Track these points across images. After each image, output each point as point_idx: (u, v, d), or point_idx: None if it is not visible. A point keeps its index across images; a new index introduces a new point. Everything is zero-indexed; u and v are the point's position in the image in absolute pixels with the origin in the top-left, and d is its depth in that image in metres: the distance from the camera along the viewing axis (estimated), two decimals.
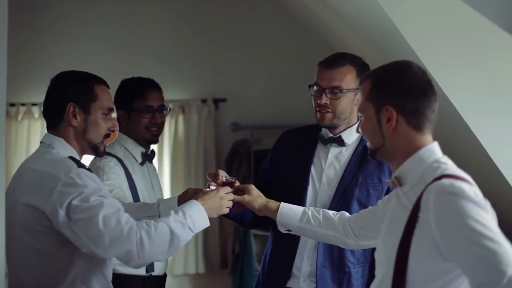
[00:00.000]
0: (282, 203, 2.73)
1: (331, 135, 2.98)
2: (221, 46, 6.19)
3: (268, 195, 2.84)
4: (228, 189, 2.65)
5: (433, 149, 2.05)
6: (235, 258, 5.83)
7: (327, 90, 2.88)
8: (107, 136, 2.57)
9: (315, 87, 2.94)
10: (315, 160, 2.99)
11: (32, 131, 6.16)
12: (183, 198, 2.78)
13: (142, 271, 3.27)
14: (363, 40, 4.09)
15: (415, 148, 2.04)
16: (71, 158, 2.43)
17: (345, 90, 2.88)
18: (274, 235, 3.04)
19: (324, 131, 3.00)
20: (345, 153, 2.97)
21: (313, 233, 2.68)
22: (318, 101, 2.90)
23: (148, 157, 3.42)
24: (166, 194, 5.68)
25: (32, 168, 2.45)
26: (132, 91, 3.39)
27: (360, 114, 2.14)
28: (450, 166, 2.00)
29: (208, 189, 2.65)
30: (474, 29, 2.83)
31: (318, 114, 2.93)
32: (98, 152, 2.58)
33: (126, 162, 3.29)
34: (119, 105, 3.39)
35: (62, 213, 2.31)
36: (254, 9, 6.20)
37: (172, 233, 2.37)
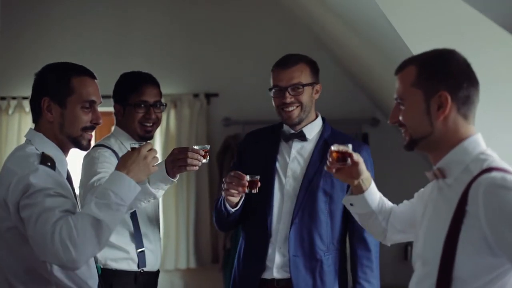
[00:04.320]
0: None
1: (293, 131, 3.14)
2: (213, 41, 6.17)
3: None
4: (150, 145, 2.45)
5: (478, 140, 2.00)
6: (226, 254, 5.82)
7: (289, 89, 3.06)
8: (89, 128, 2.49)
9: (274, 89, 3.10)
10: (279, 157, 3.15)
11: (23, 125, 6.13)
12: (169, 158, 2.84)
13: (134, 267, 3.25)
14: (355, 36, 4.09)
15: (460, 138, 1.98)
16: (43, 154, 2.37)
17: (305, 85, 3.06)
18: (246, 232, 3.18)
19: (286, 128, 3.16)
20: (307, 147, 3.14)
21: (374, 218, 2.49)
22: (283, 101, 3.07)
23: None
24: None
25: (4, 164, 2.42)
26: (127, 86, 3.34)
27: (400, 101, 2.05)
28: (497, 159, 1.96)
29: (134, 146, 2.45)
30: (469, 24, 2.84)
31: (283, 113, 3.09)
32: (81, 145, 2.50)
33: (120, 155, 3.26)
34: (115, 99, 3.37)
35: (13, 209, 2.28)
36: (246, 4, 6.19)
37: (97, 222, 2.22)
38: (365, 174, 2.46)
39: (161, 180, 2.91)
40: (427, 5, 2.90)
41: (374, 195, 2.49)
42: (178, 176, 2.96)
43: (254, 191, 2.96)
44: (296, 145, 3.15)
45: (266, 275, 3.08)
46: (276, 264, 3.06)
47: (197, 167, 2.90)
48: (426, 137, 2.01)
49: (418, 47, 2.62)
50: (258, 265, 3.08)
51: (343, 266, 3.18)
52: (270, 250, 3.07)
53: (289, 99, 3.06)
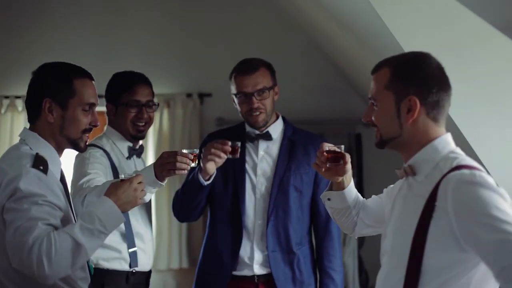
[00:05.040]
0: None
1: (258, 132, 3.26)
2: (207, 41, 6.17)
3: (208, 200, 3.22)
4: (141, 177, 2.46)
5: (447, 140, 2.05)
6: None
7: (255, 94, 3.16)
8: (87, 131, 2.49)
9: (238, 95, 3.21)
10: (246, 157, 3.24)
11: (16, 124, 6.10)
12: (158, 162, 2.86)
13: (126, 267, 3.25)
14: (349, 35, 4.09)
15: (430, 138, 2.03)
16: (36, 155, 2.36)
17: (269, 88, 3.19)
18: (217, 230, 3.29)
19: (250, 129, 3.28)
20: (273, 147, 3.26)
21: (348, 213, 2.52)
22: (251, 106, 3.17)
23: (135, 151, 3.38)
24: None
25: None
26: (120, 85, 3.34)
27: (373, 101, 2.10)
28: (466, 157, 2.01)
29: (121, 179, 2.46)
30: (461, 23, 2.84)
31: (251, 118, 3.20)
32: (79, 147, 2.50)
33: (112, 155, 3.27)
34: (107, 98, 3.36)
35: None
36: (240, 4, 6.19)
37: (77, 245, 2.22)
38: (349, 172, 2.48)
39: (150, 183, 2.89)
40: (421, 4, 2.90)
41: (352, 191, 2.51)
42: (166, 180, 2.94)
43: (236, 156, 3.05)
44: (262, 145, 3.26)
45: (246, 272, 3.20)
46: (257, 261, 3.18)
47: (186, 171, 2.89)
48: (395, 138, 2.07)
49: (411, 47, 2.63)
50: (230, 261, 3.20)
51: (314, 256, 3.33)
52: (247, 248, 3.19)
53: (256, 104, 3.17)
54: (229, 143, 3.03)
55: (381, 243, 2.18)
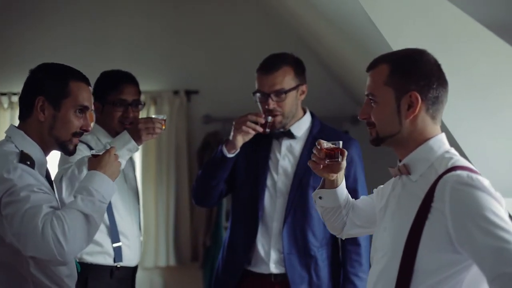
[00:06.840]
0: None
1: (281, 129, 3.20)
2: (194, 38, 6.15)
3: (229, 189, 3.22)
4: (114, 149, 2.52)
5: (442, 140, 2.05)
6: (206, 251, 5.82)
7: (272, 95, 3.09)
8: (78, 134, 2.49)
9: (258, 94, 3.14)
10: (271, 154, 3.20)
11: (2, 122, 6.05)
12: (135, 127, 3.04)
13: (110, 261, 3.26)
14: (336, 32, 4.09)
15: (426, 137, 2.03)
16: (21, 152, 2.36)
17: (288, 90, 3.10)
18: (234, 225, 3.26)
19: None
20: (296, 145, 3.20)
21: (338, 213, 2.50)
22: (266, 107, 3.11)
23: None
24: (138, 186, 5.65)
25: None
26: (107, 84, 3.42)
27: (371, 98, 2.08)
28: (461, 158, 2.01)
29: (98, 154, 2.49)
30: (450, 22, 2.85)
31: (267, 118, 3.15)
32: (67, 149, 2.49)
33: None
34: (94, 97, 3.37)
35: None
36: (228, 1, 6.17)
37: (86, 217, 2.27)
38: (343, 169, 2.45)
39: (129, 147, 3.05)
40: (408, 2, 2.90)
41: (343, 189, 2.49)
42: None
43: (266, 131, 3.11)
44: (286, 143, 3.21)
45: (263, 270, 3.15)
46: (273, 260, 3.12)
47: (158, 135, 3.11)
48: (393, 136, 2.05)
49: (398, 44, 2.64)
50: (242, 254, 3.15)
51: (337, 259, 3.25)
52: (265, 246, 3.14)
53: (272, 105, 3.11)
54: (263, 115, 3.07)
55: (373, 241, 2.19)
